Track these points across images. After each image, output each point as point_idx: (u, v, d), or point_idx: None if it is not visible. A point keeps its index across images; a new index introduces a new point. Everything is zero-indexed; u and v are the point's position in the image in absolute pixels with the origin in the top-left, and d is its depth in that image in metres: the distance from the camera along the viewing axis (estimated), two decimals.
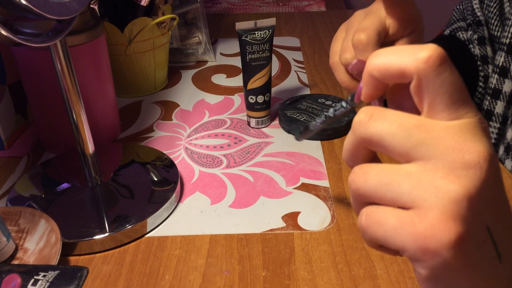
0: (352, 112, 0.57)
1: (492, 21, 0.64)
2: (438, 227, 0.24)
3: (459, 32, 0.70)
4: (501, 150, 0.60)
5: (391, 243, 0.25)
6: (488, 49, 0.65)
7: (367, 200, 0.27)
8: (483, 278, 0.25)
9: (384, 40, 0.49)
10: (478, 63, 0.66)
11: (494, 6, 0.64)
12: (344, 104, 0.32)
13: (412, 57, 0.25)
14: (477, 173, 0.24)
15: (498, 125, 0.61)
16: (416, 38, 0.48)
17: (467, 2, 0.71)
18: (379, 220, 0.26)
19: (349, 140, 0.28)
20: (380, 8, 0.45)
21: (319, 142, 0.63)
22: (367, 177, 0.26)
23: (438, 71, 0.24)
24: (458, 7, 0.73)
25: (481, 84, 0.66)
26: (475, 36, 0.67)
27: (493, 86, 0.61)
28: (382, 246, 0.27)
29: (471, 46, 0.67)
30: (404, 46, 0.25)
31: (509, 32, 0.58)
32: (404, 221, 0.25)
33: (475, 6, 0.67)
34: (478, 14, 0.66)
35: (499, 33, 0.63)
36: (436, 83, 0.25)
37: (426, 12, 1.67)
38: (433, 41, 0.70)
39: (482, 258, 0.25)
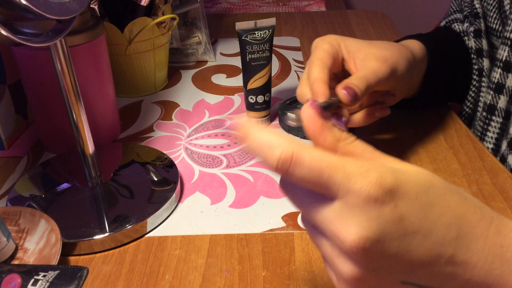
0: None
1: (491, 14, 0.63)
2: None
3: (455, 24, 0.69)
4: (504, 145, 0.59)
5: None
6: (484, 42, 0.65)
7: None
8: None
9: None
10: (472, 56, 0.66)
11: None
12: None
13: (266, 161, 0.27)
14: (357, 258, 0.26)
15: (501, 120, 0.61)
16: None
17: None
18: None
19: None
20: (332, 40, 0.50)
21: None
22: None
23: (289, 172, 0.26)
24: None
25: (475, 77, 0.66)
26: (471, 29, 0.66)
27: (496, 81, 0.60)
28: None
29: (466, 38, 0.67)
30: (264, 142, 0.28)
31: None
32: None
33: None
34: (477, 6, 0.66)
35: (497, 26, 0.63)
36: (293, 179, 0.26)
37: (427, 4, 1.67)
38: (430, 33, 0.70)
39: None
